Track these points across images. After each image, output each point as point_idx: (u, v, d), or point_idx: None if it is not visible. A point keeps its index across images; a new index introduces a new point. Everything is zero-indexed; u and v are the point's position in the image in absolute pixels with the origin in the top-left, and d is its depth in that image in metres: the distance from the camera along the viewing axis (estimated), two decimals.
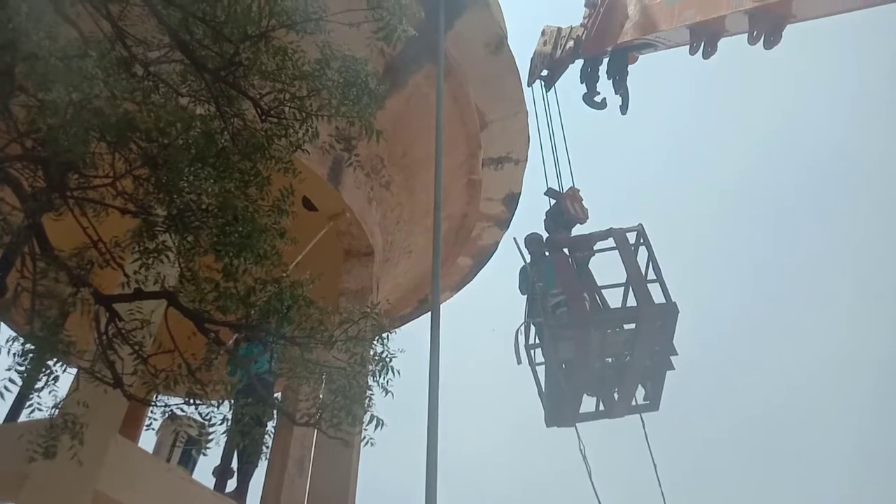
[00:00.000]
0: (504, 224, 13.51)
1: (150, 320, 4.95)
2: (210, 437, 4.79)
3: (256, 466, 7.44)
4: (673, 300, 7.68)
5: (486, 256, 14.25)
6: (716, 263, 35.11)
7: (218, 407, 4.87)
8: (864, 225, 31.37)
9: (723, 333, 32.34)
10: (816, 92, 31.53)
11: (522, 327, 8.31)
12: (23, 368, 4.71)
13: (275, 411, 5.98)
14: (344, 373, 4.75)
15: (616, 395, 8.16)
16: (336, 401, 4.66)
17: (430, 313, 7.94)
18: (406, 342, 5.16)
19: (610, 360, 8.16)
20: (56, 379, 4.61)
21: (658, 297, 7.82)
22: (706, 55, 7.82)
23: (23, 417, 7.03)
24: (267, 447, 6.37)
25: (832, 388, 31.08)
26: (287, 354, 5.11)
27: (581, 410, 8.27)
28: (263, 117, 4.93)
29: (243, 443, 5.07)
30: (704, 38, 7.78)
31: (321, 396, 5.26)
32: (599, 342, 7.92)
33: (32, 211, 4.50)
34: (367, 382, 4.75)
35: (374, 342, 4.88)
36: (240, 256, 4.43)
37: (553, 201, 9.20)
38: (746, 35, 7.15)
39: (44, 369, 4.80)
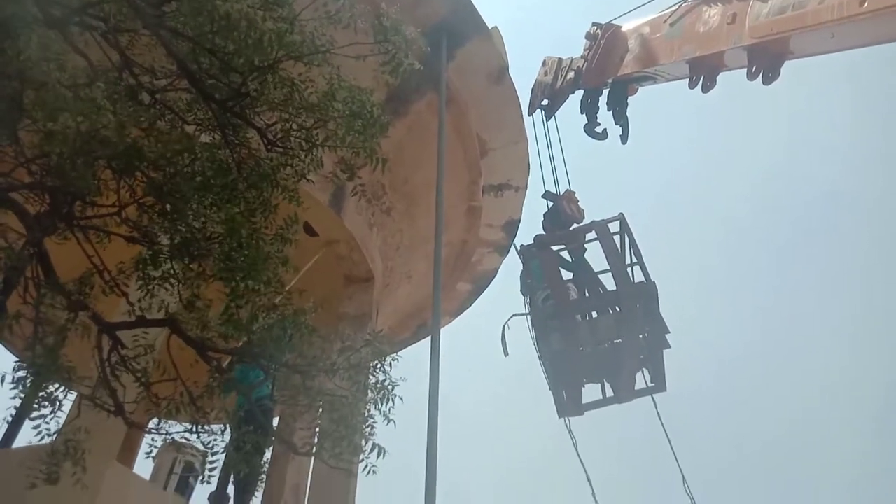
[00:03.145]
0: (504, 250, 13.58)
1: (153, 346, 4.95)
2: (214, 467, 4.75)
3: (254, 495, 7.39)
4: (652, 280, 8.12)
5: (486, 282, 14.30)
6: (719, 292, 35.24)
7: (222, 435, 4.86)
8: (868, 248, 31.48)
9: (727, 362, 32.32)
10: (816, 122, 31.83)
11: (510, 321, 8.94)
12: (23, 395, 4.71)
13: (273, 438, 5.96)
14: (345, 401, 4.74)
15: (619, 380, 8.44)
16: (337, 430, 4.64)
17: (428, 338, 8.00)
18: (404, 367, 5.16)
19: (605, 346, 8.50)
20: (60, 406, 4.60)
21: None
22: (705, 89, 7.93)
23: (23, 442, 7.00)
24: (264, 474, 6.34)
25: (836, 414, 30.97)
26: (288, 382, 5.10)
27: (591, 399, 8.67)
28: (269, 147, 4.98)
29: (243, 471, 5.04)
30: (704, 72, 7.89)
31: (319, 423, 5.24)
32: (588, 329, 8.41)
33: (37, 239, 4.53)
34: (369, 411, 4.74)
35: (376, 370, 4.88)
36: (246, 281, 4.45)
37: (551, 203, 9.63)
38: (745, 70, 7.25)
39: (44, 395, 4.79)
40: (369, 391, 4.73)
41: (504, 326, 8.98)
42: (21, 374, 4.54)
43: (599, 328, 8.48)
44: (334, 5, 4.83)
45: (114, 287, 4.90)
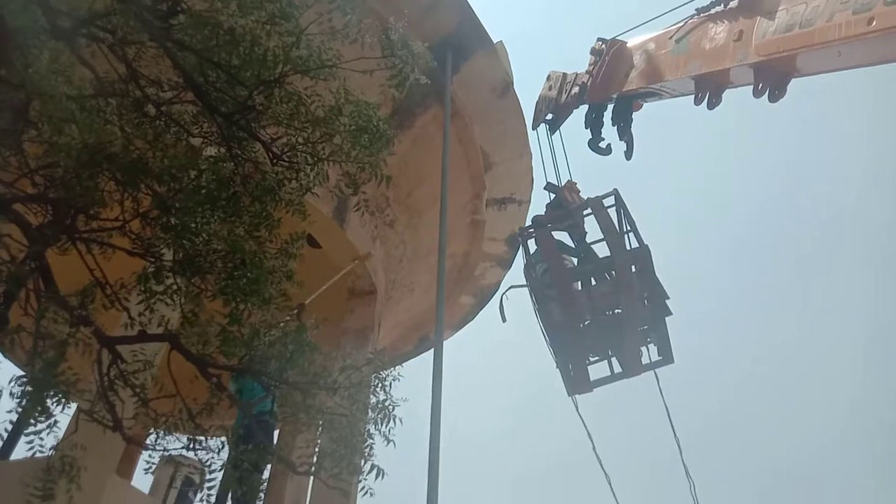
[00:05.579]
0: (506, 264, 13.54)
1: (152, 362, 4.90)
2: (212, 485, 4.69)
3: None
4: (645, 244, 8.16)
5: (488, 296, 14.25)
6: (727, 315, 35.05)
7: (218, 453, 4.80)
8: (877, 277, 31.18)
9: (732, 391, 32.03)
10: (828, 136, 31.65)
11: (508, 293, 9.13)
12: (20, 408, 4.66)
13: (272, 456, 5.89)
14: (346, 420, 4.69)
15: (624, 354, 8.51)
16: (337, 450, 4.58)
17: (430, 351, 7.96)
18: (406, 382, 5.09)
19: (606, 315, 8.55)
20: (56, 422, 4.55)
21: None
22: (711, 106, 7.87)
23: (22, 453, 6.93)
24: (263, 492, 6.26)
25: (841, 444, 30.63)
26: (289, 399, 5.04)
27: (598, 376, 8.72)
28: (275, 161, 4.94)
29: (241, 489, 4.97)
30: (709, 89, 7.84)
31: (318, 442, 5.18)
32: (586, 297, 8.51)
33: (39, 252, 4.49)
34: (369, 431, 4.68)
35: (377, 389, 4.83)
36: (247, 301, 4.41)
37: (553, 195, 9.81)
38: (751, 87, 7.21)
39: (40, 409, 4.73)
40: (369, 411, 4.68)
41: (503, 296, 9.22)
42: (21, 387, 4.48)
43: (597, 295, 8.56)
44: (341, 20, 4.81)
45: (115, 301, 4.85)
